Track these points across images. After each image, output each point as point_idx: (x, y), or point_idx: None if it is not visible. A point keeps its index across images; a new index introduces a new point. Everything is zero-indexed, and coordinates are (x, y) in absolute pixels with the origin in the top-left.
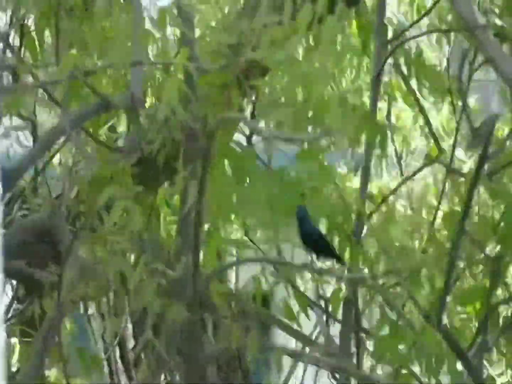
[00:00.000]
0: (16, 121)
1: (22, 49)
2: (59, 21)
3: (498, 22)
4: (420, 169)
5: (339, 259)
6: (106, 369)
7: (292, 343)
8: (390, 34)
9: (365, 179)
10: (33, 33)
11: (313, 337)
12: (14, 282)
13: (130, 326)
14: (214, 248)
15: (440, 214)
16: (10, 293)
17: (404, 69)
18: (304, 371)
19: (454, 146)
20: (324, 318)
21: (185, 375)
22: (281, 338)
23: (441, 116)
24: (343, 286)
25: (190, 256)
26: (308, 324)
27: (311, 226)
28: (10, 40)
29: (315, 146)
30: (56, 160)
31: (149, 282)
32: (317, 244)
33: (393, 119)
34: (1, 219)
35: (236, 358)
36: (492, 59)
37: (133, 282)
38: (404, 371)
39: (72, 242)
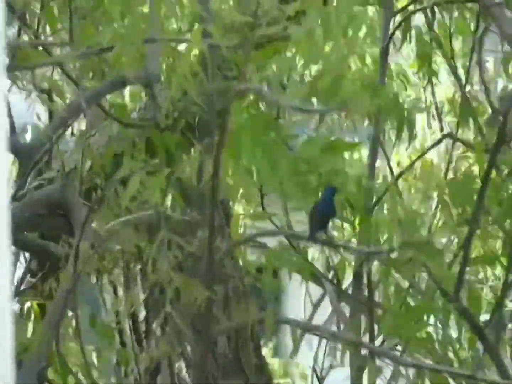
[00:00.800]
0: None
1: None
2: None
3: None
4: (438, 142)
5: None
6: (117, 339)
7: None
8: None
9: (374, 154)
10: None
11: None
12: (27, 254)
13: (141, 296)
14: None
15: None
16: (23, 266)
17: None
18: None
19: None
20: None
21: (195, 347)
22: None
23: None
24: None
25: (206, 230)
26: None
27: (334, 208)
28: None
29: (340, 142)
30: (68, 132)
31: (165, 255)
32: (326, 224)
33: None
34: (8, 192)
35: (246, 329)
36: (509, 37)
37: (149, 255)
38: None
39: (86, 214)
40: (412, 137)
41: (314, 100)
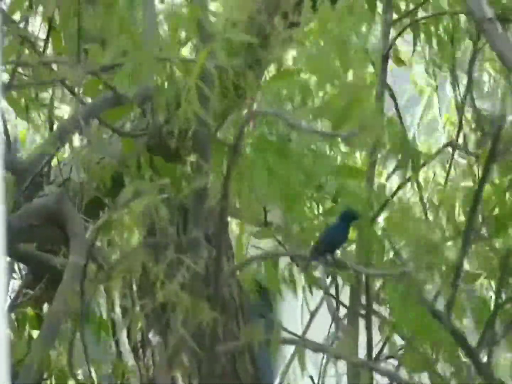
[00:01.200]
0: None
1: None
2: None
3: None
4: (438, 152)
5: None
6: (114, 349)
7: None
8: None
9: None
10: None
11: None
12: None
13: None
14: (240, 242)
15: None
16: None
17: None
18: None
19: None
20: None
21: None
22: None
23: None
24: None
25: (214, 250)
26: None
27: (346, 234)
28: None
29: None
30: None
31: (173, 275)
32: (335, 249)
33: None
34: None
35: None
36: (500, 53)
37: (157, 275)
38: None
39: (93, 235)
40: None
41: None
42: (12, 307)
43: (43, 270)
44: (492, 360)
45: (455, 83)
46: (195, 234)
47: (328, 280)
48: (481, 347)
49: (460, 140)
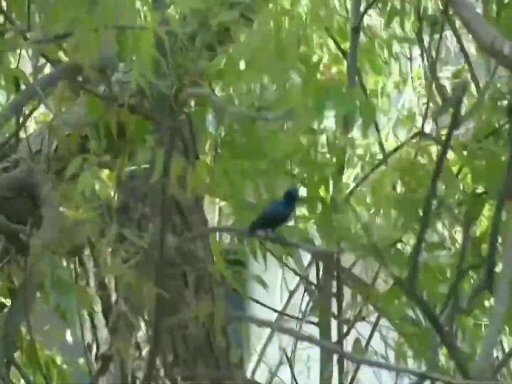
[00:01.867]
0: None
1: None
2: None
3: None
4: (412, 137)
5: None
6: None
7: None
8: None
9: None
10: None
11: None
12: None
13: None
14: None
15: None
16: None
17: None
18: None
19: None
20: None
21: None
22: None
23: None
24: None
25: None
26: None
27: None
28: None
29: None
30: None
31: (117, 250)
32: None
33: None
34: None
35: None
36: (467, 22)
37: (100, 250)
38: None
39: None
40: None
41: None
42: None
43: (14, 241)
44: (454, 328)
45: (423, 53)
46: (141, 210)
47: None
48: (444, 315)
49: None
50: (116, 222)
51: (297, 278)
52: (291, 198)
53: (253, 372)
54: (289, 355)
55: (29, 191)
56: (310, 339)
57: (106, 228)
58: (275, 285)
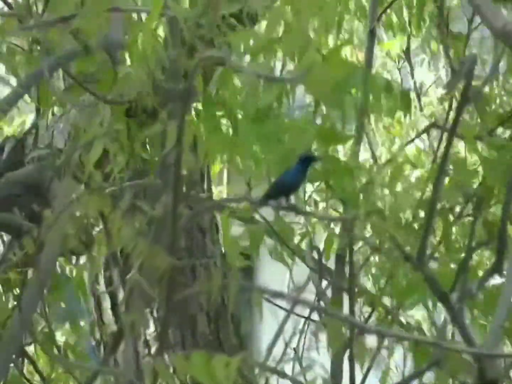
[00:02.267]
0: None
1: None
2: None
3: None
4: (424, 131)
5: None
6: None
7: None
8: None
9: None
10: None
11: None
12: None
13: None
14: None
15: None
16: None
17: None
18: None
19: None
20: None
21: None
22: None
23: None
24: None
25: (171, 195)
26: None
27: (300, 180)
28: None
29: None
30: None
31: (129, 221)
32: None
33: None
34: None
35: (226, 309)
36: (478, 7)
37: (113, 221)
38: None
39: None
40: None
41: None
42: None
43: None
44: (464, 307)
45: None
46: (153, 180)
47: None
48: (454, 292)
49: None
50: (129, 192)
51: (305, 274)
52: (305, 163)
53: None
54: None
55: (40, 189)
56: (326, 311)
57: (119, 199)
58: (283, 282)
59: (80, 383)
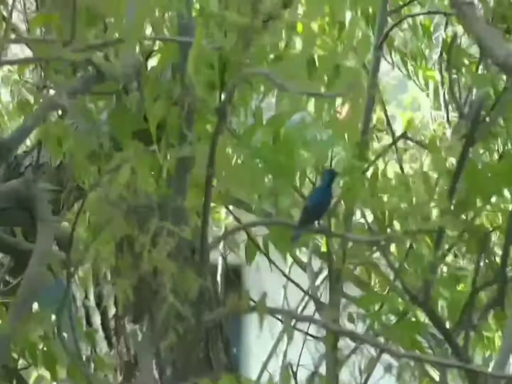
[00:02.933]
0: None
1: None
2: None
3: None
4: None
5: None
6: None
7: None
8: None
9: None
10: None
11: None
12: None
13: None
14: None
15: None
16: None
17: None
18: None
19: None
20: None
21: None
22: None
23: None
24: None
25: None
26: None
27: (330, 198)
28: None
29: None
30: None
31: (161, 243)
32: (319, 216)
33: None
34: None
35: (216, 329)
36: (479, 38)
37: (143, 243)
38: None
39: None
40: None
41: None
42: None
43: (12, 254)
44: (469, 344)
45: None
46: (179, 202)
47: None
48: (458, 330)
49: None
50: (157, 214)
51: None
52: (329, 181)
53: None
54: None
55: (26, 203)
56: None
57: (147, 221)
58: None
59: None
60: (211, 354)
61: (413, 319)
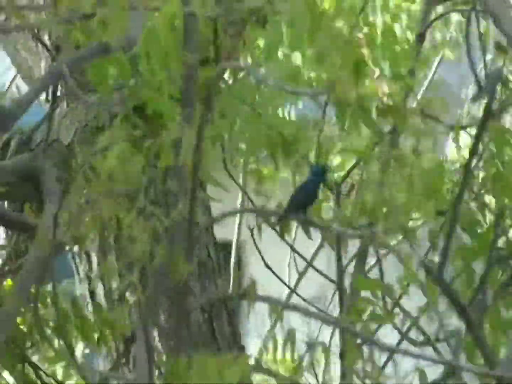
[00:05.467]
0: None
1: None
2: None
3: None
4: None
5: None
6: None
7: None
8: None
9: None
10: None
11: None
12: None
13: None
14: None
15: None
16: None
17: None
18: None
19: None
20: None
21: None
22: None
23: None
24: None
25: (187, 202)
26: None
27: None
28: None
29: None
30: None
31: (144, 225)
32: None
33: None
34: None
35: (221, 301)
36: (493, 13)
37: (127, 225)
38: None
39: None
40: None
41: None
42: None
43: (17, 229)
44: (483, 322)
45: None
46: (169, 186)
47: None
48: (473, 307)
49: None
50: (144, 198)
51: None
52: (318, 175)
53: None
54: None
55: (32, 177)
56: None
57: (134, 205)
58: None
59: None
60: (214, 325)
61: None
